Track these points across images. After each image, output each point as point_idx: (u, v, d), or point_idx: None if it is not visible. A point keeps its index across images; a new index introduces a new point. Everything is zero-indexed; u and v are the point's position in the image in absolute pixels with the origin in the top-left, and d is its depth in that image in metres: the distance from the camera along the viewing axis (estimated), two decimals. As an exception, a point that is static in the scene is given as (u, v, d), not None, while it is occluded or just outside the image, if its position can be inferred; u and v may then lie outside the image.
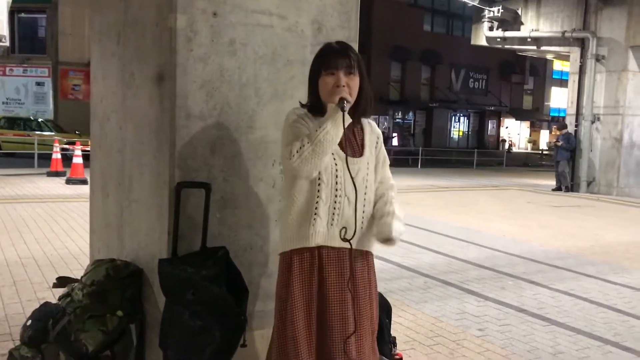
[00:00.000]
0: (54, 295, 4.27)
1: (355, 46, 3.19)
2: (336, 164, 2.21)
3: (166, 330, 2.58)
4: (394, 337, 3.32)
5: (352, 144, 2.29)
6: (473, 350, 3.79)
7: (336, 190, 2.21)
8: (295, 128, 2.21)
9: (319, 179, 2.19)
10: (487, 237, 7.94)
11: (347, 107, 2.14)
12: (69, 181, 12.15)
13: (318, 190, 2.19)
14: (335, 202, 2.21)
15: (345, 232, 2.21)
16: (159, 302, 2.78)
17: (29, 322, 2.86)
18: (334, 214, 2.21)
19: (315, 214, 2.20)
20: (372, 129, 2.40)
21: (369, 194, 2.30)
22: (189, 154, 2.72)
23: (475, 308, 4.68)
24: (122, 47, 3.21)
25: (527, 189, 15.55)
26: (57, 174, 13.37)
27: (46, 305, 2.96)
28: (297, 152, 2.10)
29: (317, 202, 2.20)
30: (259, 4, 2.85)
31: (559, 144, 14.98)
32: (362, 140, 2.34)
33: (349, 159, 2.21)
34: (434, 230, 8.21)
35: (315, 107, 2.26)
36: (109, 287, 2.88)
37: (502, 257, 6.69)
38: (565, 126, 15.50)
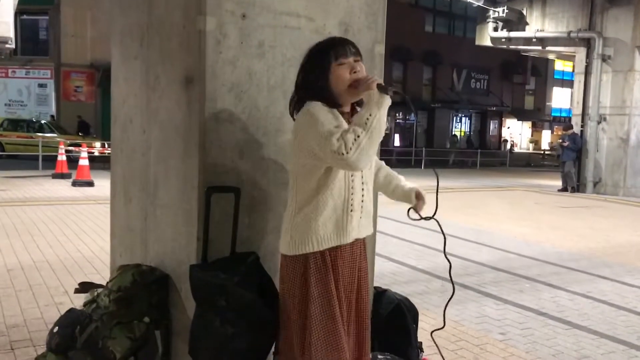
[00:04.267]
0: (71, 300, 4.24)
1: (382, 47, 3.18)
2: None
3: (197, 337, 2.54)
4: (421, 342, 3.29)
5: None
6: (497, 355, 3.75)
7: (362, 182, 2.22)
8: (332, 120, 2.08)
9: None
10: (499, 238, 7.90)
11: (391, 90, 2.06)
12: (75, 183, 12.12)
13: (352, 186, 2.16)
14: (362, 193, 2.22)
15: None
16: (187, 308, 2.74)
17: (56, 328, 2.81)
18: (362, 206, 2.22)
19: (351, 210, 2.17)
20: None
21: (372, 176, 2.39)
22: (218, 157, 2.68)
23: (495, 311, 4.64)
24: (145, 49, 3.17)
25: (533, 189, 15.51)
26: (62, 176, 13.34)
27: (72, 311, 2.92)
28: (352, 144, 1.94)
29: (352, 197, 2.17)
30: (287, 6, 2.81)
31: (565, 144, 14.95)
32: None
33: None
34: (446, 232, 8.15)
35: (329, 102, 2.16)
36: (136, 293, 2.84)
37: (516, 259, 6.65)
38: (571, 126, 15.46)
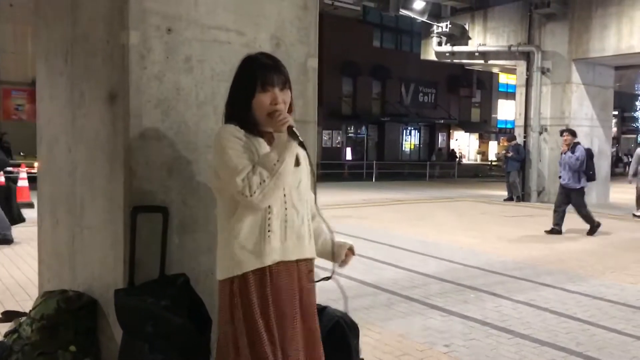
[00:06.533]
0: (-1, 330, 4.00)
1: (315, 61, 3.15)
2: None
3: (124, 366, 2.42)
4: (362, 359, 3.23)
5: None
6: (441, 367, 3.74)
7: (285, 202, 2.14)
8: (240, 153, 2.04)
9: None
10: (445, 249, 7.97)
11: (297, 139, 2.05)
12: (13, 205, 11.62)
13: (269, 206, 2.10)
14: (285, 215, 2.14)
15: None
16: (116, 335, 2.62)
17: (-28, 362, 2.64)
18: (285, 227, 2.15)
19: (269, 230, 2.11)
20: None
21: (310, 202, 2.28)
22: (145, 176, 2.59)
23: (440, 323, 4.65)
24: (70, 65, 3.06)
25: (480, 199, 15.81)
26: (0, 198, 12.78)
27: (-9, 343, 2.75)
28: (257, 187, 1.98)
29: (269, 218, 2.11)
30: (216, 20, 2.76)
31: (509, 154, 15.32)
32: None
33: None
34: (394, 245, 8.20)
35: (248, 123, 2.13)
36: (61, 320, 2.70)
37: (462, 270, 6.71)
38: (514, 137, 15.87)
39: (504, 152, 16.20)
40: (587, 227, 9.66)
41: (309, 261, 2.26)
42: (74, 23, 3.00)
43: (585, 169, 9.41)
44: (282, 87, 2.13)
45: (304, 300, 2.22)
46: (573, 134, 9.77)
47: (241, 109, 2.14)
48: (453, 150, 40.70)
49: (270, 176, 1.99)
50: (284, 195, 2.13)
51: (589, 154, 9.59)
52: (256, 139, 2.12)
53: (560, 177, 9.80)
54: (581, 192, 9.62)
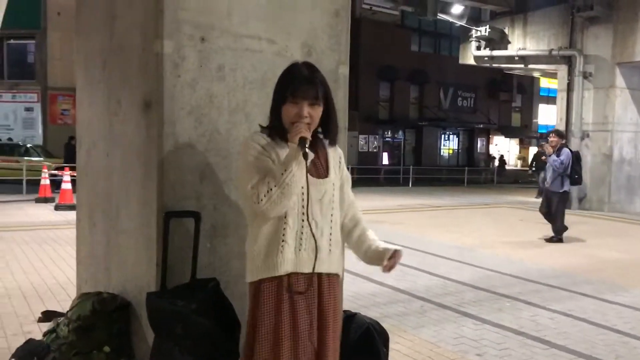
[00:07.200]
0: (40, 329, 4.13)
1: (346, 68, 3.16)
2: (302, 187, 2.13)
3: (156, 367, 2.47)
4: (392, 366, 3.23)
5: (317, 165, 2.23)
6: (473, 376, 3.69)
7: (303, 214, 2.15)
8: (257, 161, 2.10)
9: None
10: (481, 256, 7.87)
11: (309, 153, 2.06)
12: (57, 207, 11.98)
13: (285, 217, 2.12)
14: (302, 226, 2.15)
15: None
16: (148, 337, 2.68)
17: (12, 360, 2.74)
18: (301, 239, 2.15)
19: (282, 241, 2.12)
20: (334, 147, 2.34)
21: (336, 216, 2.26)
22: (178, 181, 2.65)
23: (473, 332, 4.59)
24: (107, 73, 3.15)
25: (518, 206, 15.53)
26: (45, 200, 13.19)
27: (30, 342, 2.86)
28: (264, 196, 2.02)
29: (284, 229, 2.13)
30: (248, 29, 2.80)
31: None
32: (326, 160, 2.28)
33: (315, 180, 2.17)
34: (428, 251, 8.13)
35: (278, 130, 2.17)
36: (96, 321, 2.78)
37: (498, 278, 6.61)
38: (555, 143, 15.54)
39: (543, 157, 15.82)
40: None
41: (333, 275, 2.25)
42: (111, 33, 3.09)
43: (571, 172, 9.07)
44: (313, 102, 2.13)
45: (323, 312, 2.20)
46: (560, 135, 9.49)
47: (273, 115, 2.20)
48: (493, 156, 40.07)
49: (277, 185, 2.02)
50: (303, 207, 2.13)
51: (576, 156, 9.30)
52: (282, 146, 2.15)
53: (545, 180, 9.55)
54: (564, 196, 9.31)
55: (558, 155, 9.03)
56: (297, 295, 2.14)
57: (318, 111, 2.17)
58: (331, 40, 3.05)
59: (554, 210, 9.29)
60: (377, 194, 17.87)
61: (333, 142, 2.28)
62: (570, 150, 9.27)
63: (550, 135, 9.50)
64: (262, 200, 2.03)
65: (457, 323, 4.80)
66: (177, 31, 2.62)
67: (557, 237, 9.34)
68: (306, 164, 2.05)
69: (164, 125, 2.60)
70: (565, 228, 9.37)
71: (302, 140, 2.05)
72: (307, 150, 2.04)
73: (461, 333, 4.54)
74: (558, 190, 9.16)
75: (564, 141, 9.37)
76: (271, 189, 2.02)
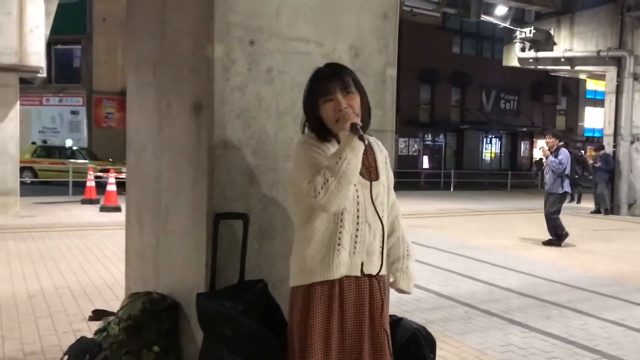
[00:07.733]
0: (89, 327, 4.23)
1: (394, 70, 3.13)
2: (357, 190, 2.12)
3: (205, 367, 2.49)
4: (439, 373, 3.17)
5: (368, 167, 2.21)
6: (521, 385, 3.60)
7: (357, 217, 2.13)
8: (312, 159, 2.09)
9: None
10: (526, 263, 7.70)
11: (357, 133, 2.02)
12: (102, 209, 12.28)
13: (341, 220, 2.11)
14: (357, 229, 2.13)
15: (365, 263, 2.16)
16: (197, 337, 2.70)
17: (65, 357, 2.80)
18: (356, 242, 2.14)
19: (338, 244, 2.11)
20: (380, 148, 2.33)
21: (385, 217, 2.25)
22: (227, 184, 2.66)
23: (520, 339, 4.49)
24: (158, 76, 3.20)
25: (565, 211, 15.12)
26: (91, 201, 13.54)
27: (82, 340, 2.91)
28: (322, 188, 1.98)
29: (340, 232, 2.11)
30: (296, 32, 2.80)
31: (597, 165, 14.61)
32: (375, 161, 2.26)
33: (367, 182, 2.16)
34: (472, 257, 8.00)
35: (322, 133, 2.17)
36: (145, 321, 2.82)
37: (544, 285, 6.46)
38: (602, 147, 15.13)
39: (591, 162, 15.42)
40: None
41: (381, 277, 2.23)
42: (162, 37, 3.14)
43: (570, 172, 8.92)
44: (345, 92, 2.13)
45: (374, 316, 2.19)
46: (558, 136, 9.30)
47: (312, 121, 2.20)
48: (537, 160, 39.25)
49: (333, 175, 1.97)
50: (357, 210, 2.13)
51: (576, 157, 9.17)
52: (333, 144, 2.14)
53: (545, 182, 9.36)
54: (562, 197, 9.13)
55: (556, 156, 8.91)
56: (349, 298, 2.13)
57: (356, 99, 2.16)
58: (379, 42, 3.03)
59: (553, 211, 9.18)
60: (417, 198, 17.71)
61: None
62: (570, 152, 9.15)
63: (547, 136, 9.45)
64: (319, 193, 1.97)
65: (503, 330, 4.71)
66: (227, 35, 2.64)
67: (554, 240, 9.21)
68: (364, 143, 2.01)
69: (214, 128, 2.62)
70: (561, 237, 9.21)
71: (354, 126, 2.02)
72: (361, 133, 2.01)
73: (508, 341, 4.45)
74: (558, 192, 9.04)
75: (561, 142, 9.21)
76: (327, 180, 1.97)
